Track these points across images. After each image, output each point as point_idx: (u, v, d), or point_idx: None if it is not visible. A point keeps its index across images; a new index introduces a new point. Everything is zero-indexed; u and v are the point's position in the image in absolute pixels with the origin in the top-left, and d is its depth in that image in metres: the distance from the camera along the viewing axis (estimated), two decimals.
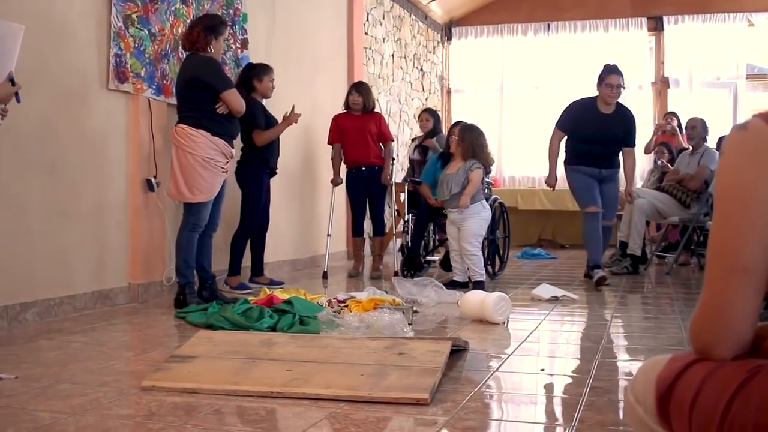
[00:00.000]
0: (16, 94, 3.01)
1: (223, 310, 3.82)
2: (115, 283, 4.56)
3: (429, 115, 7.12)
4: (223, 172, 4.55)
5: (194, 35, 4.47)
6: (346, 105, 6.34)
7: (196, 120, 4.40)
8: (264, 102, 5.49)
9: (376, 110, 6.44)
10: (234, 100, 4.47)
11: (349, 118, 6.28)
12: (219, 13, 5.40)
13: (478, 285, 5.09)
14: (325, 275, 6.10)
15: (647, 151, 8.47)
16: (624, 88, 5.72)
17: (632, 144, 5.87)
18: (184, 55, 4.66)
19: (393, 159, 6.38)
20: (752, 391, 1.00)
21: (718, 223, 1.11)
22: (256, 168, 5.37)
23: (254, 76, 5.32)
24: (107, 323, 3.95)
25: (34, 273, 3.97)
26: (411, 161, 7.20)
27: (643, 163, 9.58)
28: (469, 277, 5.31)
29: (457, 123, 6.01)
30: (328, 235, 6.32)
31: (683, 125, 7.93)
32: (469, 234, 5.27)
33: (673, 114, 8.64)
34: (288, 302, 3.91)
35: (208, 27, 4.48)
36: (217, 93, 4.42)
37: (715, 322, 1.09)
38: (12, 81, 2.95)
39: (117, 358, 3.12)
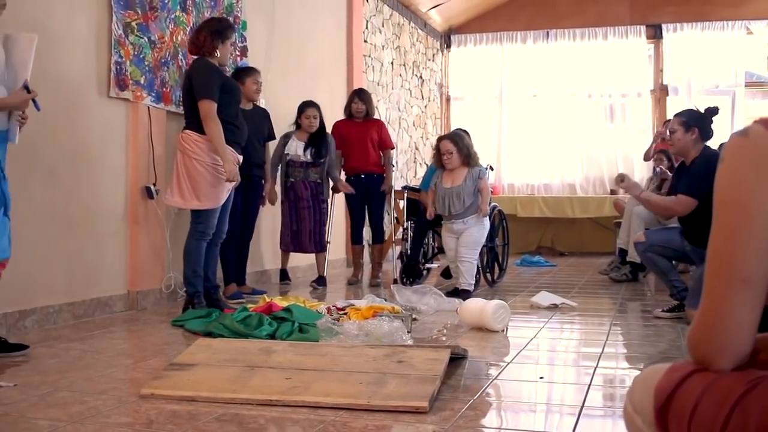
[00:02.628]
0: (35, 101, 3.04)
1: (222, 318, 3.82)
2: (113, 290, 4.55)
3: (317, 111, 5.97)
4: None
5: (201, 39, 4.33)
6: (348, 112, 6.31)
7: (202, 126, 4.26)
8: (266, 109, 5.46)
9: (376, 117, 6.43)
10: (203, 111, 4.22)
11: (351, 125, 6.27)
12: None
13: (464, 294, 5.03)
14: (324, 283, 6.09)
15: (646, 158, 8.50)
16: (673, 136, 4.72)
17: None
18: (184, 61, 4.62)
19: (393, 166, 6.38)
20: (752, 403, 0.99)
21: (717, 233, 1.09)
22: None
23: (237, 79, 5.06)
24: (106, 331, 3.95)
25: (33, 280, 3.96)
26: (292, 161, 5.92)
27: (642, 170, 9.61)
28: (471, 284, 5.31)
29: (441, 138, 5.68)
30: (327, 242, 6.31)
31: None
32: (470, 241, 5.31)
33: None
34: (287, 310, 3.91)
35: (215, 31, 4.33)
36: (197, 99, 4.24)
37: (714, 333, 1.07)
38: (27, 89, 2.98)
39: (116, 365, 3.11)
